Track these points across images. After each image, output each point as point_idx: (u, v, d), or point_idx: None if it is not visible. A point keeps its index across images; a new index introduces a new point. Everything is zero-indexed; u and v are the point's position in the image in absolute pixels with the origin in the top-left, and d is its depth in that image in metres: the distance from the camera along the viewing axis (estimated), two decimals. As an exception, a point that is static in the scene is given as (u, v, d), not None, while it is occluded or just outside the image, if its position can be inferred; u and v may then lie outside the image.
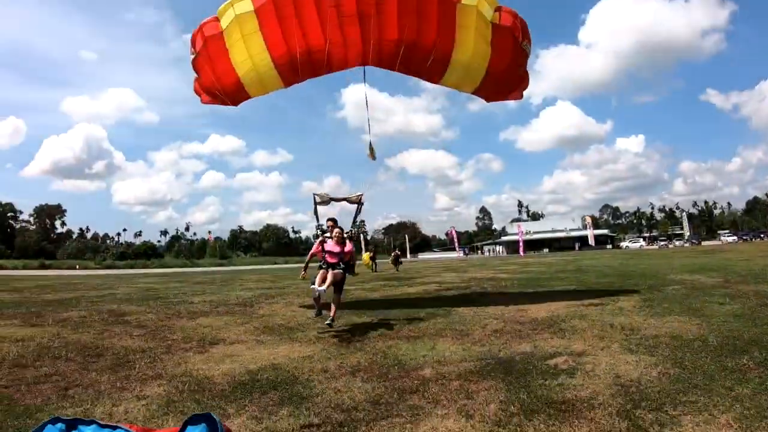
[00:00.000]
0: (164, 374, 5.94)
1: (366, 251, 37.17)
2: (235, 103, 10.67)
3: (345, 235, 9.15)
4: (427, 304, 12.11)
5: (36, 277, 36.08)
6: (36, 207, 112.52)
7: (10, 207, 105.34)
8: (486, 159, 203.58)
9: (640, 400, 4.34)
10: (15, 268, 56.94)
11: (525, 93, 11.89)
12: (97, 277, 36.39)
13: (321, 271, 8.67)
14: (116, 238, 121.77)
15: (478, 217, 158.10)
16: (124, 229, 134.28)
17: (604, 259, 36.34)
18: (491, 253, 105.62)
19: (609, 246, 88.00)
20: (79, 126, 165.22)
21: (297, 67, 9.65)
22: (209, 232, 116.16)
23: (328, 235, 9.29)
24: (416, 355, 6.45)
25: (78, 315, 11.64)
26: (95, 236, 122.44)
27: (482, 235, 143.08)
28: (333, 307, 8.60)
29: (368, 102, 10.89)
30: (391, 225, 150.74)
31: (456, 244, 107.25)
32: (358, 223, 9.89)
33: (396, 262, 35.81)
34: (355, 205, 10.38)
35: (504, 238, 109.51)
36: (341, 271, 8.83)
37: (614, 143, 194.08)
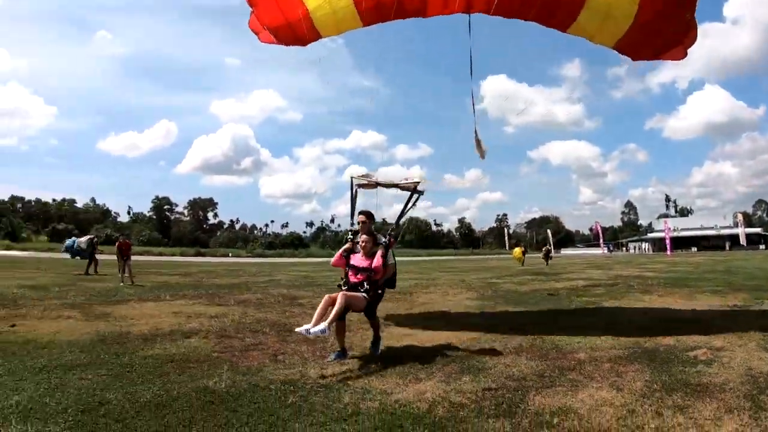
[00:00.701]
0: (354, 347, 7.09)
1: (517, 246, 41.85)
2: (303, 42, 8.98)
3: (382, 241, 6.88)
4: (576, 299, 13.20)
5: (196, 263, 41.41)
6: (189, 200, 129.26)
7: (166, 200, 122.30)
8: (631, 149, 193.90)
9: (765, 388, 5.07)
10: (173, 255, 65.78)
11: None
12: (251, 264, 40.79)
13: (326, 297, 6.30)
14: (264, 229, 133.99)
15: (623, 212, 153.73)
16: (272, 221, 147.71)
17: (756, 260, 34.41)
18: (636, 250, 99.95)
19: (762, 246, 79.18)
20: (226, 126, 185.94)
21: (385, 3, 8.05)
22: (352, 224, 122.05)
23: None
24: (571, 341, 7.39)
25: (255, 297, 13.78)
26: (243, 227, 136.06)
27: (627, 231, 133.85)
28: (373, 332, 6.94)
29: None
30: (533, 219, 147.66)
31: (600, 240, 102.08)
32: (403, 223, 7.89)
33: (547, 257, 38.43)
34: (408, 194, 7.77)
35: (650, 235, 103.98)
36: (363, 294, 6.45)
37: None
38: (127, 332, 8.16)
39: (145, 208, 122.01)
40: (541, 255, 41.14)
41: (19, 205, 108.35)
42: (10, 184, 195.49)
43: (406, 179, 7.76)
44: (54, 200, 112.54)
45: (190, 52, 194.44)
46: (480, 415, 4.33)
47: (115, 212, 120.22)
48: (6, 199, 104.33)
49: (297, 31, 8.54)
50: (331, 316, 5.91)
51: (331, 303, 6.11)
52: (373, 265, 6.54)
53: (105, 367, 5.82)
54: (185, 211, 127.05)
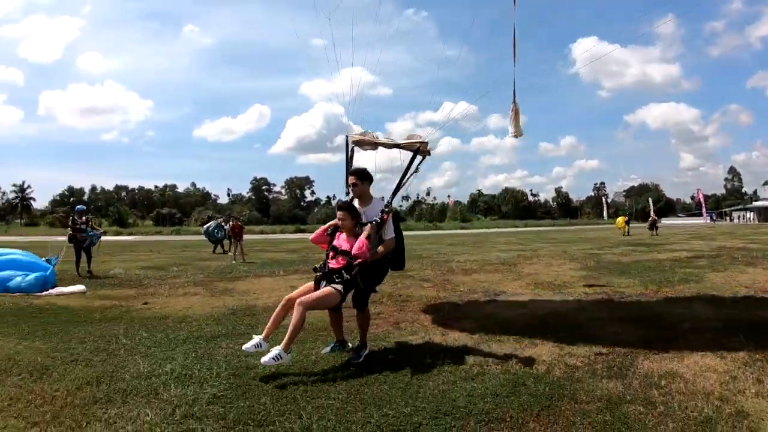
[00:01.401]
0: (471, 315, 7.88)
1: (620, 215, 43.54)
2: None
3: (375, 220, 5.67)
4: (679, 270, 13.46)
5: (297, 240, 43.06)
6: (287, 179, 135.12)
7: (264, 180, 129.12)
8: (732, 111, 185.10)
9: None
10: (274, 232, 69.26)
11: None
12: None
13: (283, 300, 5.46)
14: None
15: (726, 179, 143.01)
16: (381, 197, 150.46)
17: None
18: (741, 219, 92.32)
19: None
20: (317, 106, 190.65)
21: None
22: (449, 196, 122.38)
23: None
24: (674, 311, 7.82)
25: None
26: (339, 203, 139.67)
27: (731, 199, 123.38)
28: (359, 330, 5.86)
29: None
30: (632, 187, 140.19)
31: (703, 209, 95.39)
32: (403, 190, 6.57)
33: (653, 226, 38.31)
34: (411, 156, 6.53)
35: (755, 204, 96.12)
36: (336, 287, 5.35)
37: None
38: (254, 305, 9.03)
39: (243, 189, 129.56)
40: (646, 225, 40.93)
41: (124, 194, 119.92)
42: (114, 176, 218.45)
43: (410, 138, 6.63)
44: (156, 187, 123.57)
45: (276, 37, 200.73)
46: (594, 376, 4.80)
47: (215, 194, 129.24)
48: (111, 189, 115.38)
49: None
50: (287, 335, 5.01)
51: (290, 307, 5.24)
52: (353, 251, 5.38)
53: (243, 338, 6.33)
54: (282, 190, 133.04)
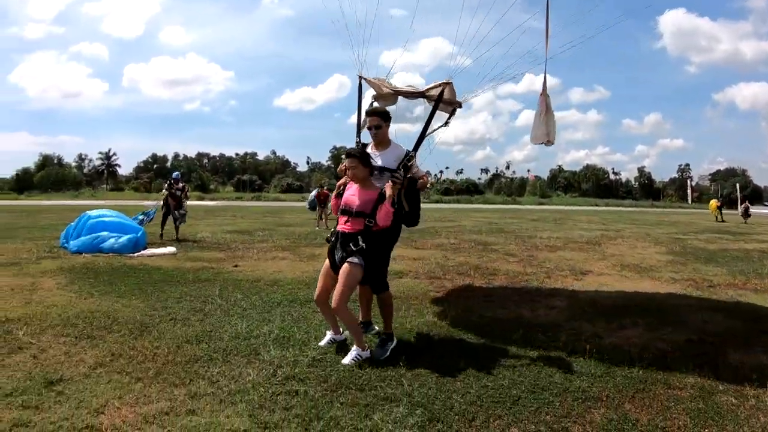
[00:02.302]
0: (558, 293, 7.84)
1: (714, 199, 41.02)
2: None
3: (396, 170, 5.01)
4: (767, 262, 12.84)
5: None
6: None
7: (343, 149, 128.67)
8: None
9: None
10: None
11: None
12: (432, 210, 41.73)
13: (317, 291, 4.89)
14: (438, 176, 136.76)
15: None
16: (446, 167, 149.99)
17: None
18: None
19: None
20: (397, 76, 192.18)
21: None
22: (528, 170, 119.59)
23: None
24: (763, 305, 7.48)
25: (449, 242, 15.21)
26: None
27: None
28: (383, 318, 5.10)
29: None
30: (718, 171, 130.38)
31: None
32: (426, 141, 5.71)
33: (746, 213, 36.48)
34: (436, 107, 5.79)
35: None
36: (355, 261, 4.57)
37: None
38: None
39: (322, 157, 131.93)
40: (739, 211, 38.74)
41: (206, 161, 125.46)
42: (196, 143, 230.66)
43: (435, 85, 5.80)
44: (237, 154, 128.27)
45: (355, 6, 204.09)
46: (685, 363, 4.66)
47: (294, 162, 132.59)
48: (193, 156, 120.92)
49: None
50: (353, 335, 4.67)
51: (323, 301, 4.84)
52: (379, 221, 4.57)
53: (304, 309, 6.32)
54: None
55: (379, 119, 5.20)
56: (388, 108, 5.68)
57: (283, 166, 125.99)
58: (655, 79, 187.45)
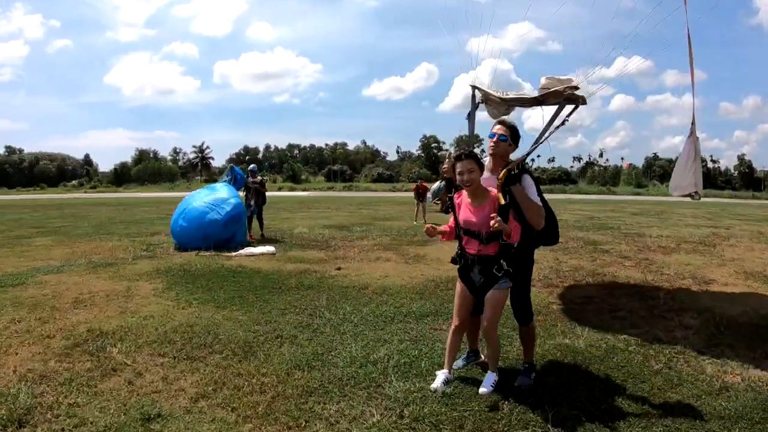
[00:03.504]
0: (688, 307, 7.03)
1: None
2: None
3: (501, 174, 4.22)
4: None
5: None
6: (456, 137, 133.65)
7: (433, 138, 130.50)
8: None
9: None
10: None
11: None
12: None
13: (452, 328, 4.39)
14: (530, 164, 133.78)
15: None
16: (538, 156, 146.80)
17: None
18: None
19: None
20: (485, 62, 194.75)
21: None
22: (622, 158, 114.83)
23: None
24: None
25: None
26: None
27: None
28: (523, 348, 4.69)
29: None
30: None
31: None
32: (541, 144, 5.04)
33: None
34: (555, 109, 5.23)
35: None
36: (505, 287, 4.18)
37: None
38: (453, 277, 8.20)
39: (412, 146, 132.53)
40: None
41: (296, 151, 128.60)
42: (286, 135, 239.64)
43: (549, 86, 5.18)
44: (327, 144, 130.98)
45: None
46: None
47: (384, 152, 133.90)
48: (284, 147, 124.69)
49: None
50: (491, 359, 4.33)
51: (464, 331, 4.47)
52: (508, 238, 4.03)
53: (450, 320, 5.78)
54: (452, 148, 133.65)
55: (504, 129, 4.38)
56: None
57: (372, 155, 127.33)
58: (754, 58, 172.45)
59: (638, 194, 77.89)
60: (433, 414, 3.62)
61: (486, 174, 4.28)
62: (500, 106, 5.90)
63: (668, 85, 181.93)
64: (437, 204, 24.35)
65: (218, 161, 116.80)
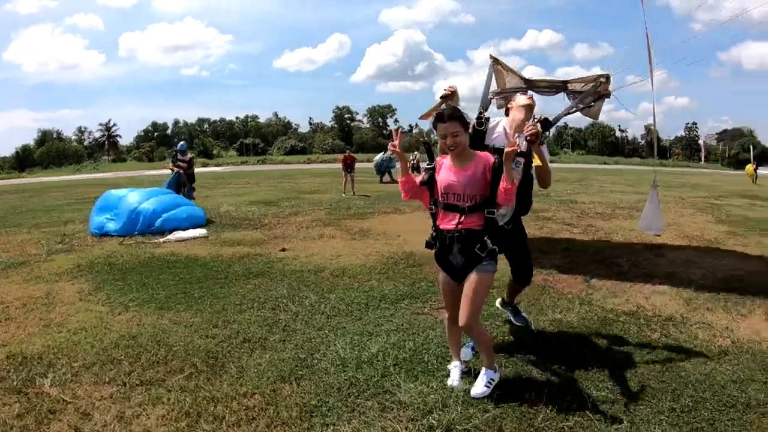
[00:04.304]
0: (653, 272, 6.94)
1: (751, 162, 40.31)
2: None
3: (535, 121, 4.02)
4: None
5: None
6: (369, 108, 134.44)
7: (346, 109, 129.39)
8: None
9: None
10: (360, 161, 69.03)
11: None
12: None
13: (446, 321, 3.74)
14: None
15: None
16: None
17: None
18: None
19: None
20: (398, 33, 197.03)
21: None
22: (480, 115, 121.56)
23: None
24: None
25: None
26: (421, 131, 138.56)
27: None
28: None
29: None
30: (725, 130, 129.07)
31: None
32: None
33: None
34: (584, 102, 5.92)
35: None
36: (488, 269, 3.40)
37: None
38: (410, 252, 7.88)
39: (325, 118, 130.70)
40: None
41: (206, 126, 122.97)
42: (196, 109, 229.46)
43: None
44: (237, 118, 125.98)
45: None
46: None
47: (296, 124, 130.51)
48: (194, 122, 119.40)
49: None
50: (484, 355, 3.56)
51: (454, 304, 3.56)
52: (500, 198, 3.30)
53: (432, 300, 5.42)
54: (364, 119, 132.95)
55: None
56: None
57: (285, 128, 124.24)
58: (661, 37, 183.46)
59: (552, 162, 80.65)
60: (464, 419, 3.04)
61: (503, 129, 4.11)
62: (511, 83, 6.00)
63: (578, 58, 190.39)
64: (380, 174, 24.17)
65: (126, 139, 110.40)
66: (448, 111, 3.40)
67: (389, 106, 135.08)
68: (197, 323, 4.76)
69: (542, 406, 3.19)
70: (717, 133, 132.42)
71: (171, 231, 9.57)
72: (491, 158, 3.39)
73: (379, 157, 26.41)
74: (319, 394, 3.33)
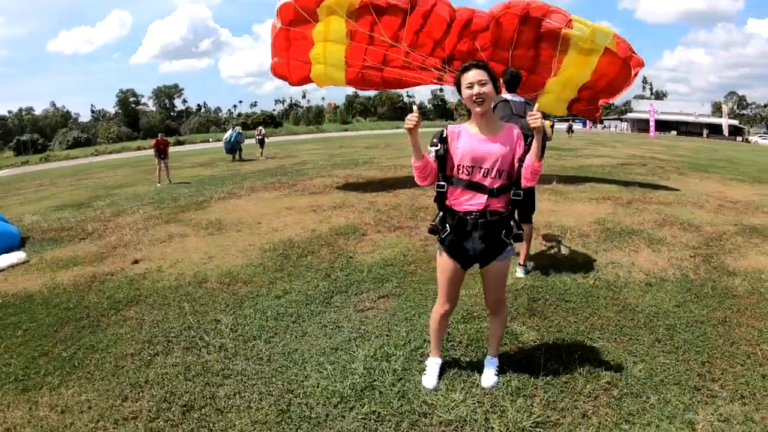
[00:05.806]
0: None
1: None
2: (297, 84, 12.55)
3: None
4: (622, 176, 13.59)
5: (190, 152, 38.78)
6: (154, 89, 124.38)
7: (131, 92, 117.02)
8: None
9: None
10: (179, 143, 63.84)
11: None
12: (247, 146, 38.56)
13: (438, 311, 3.17)
14: (232, 110, 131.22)
15: None
16: (240, 101, 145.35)
17: (743, 153, 32.13)
18: (614, 128, 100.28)
19: (739, 138, 79.29)
20: (181, 8, 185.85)
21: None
22: (323, 98, 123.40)
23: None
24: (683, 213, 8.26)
25: (333, 183, 14.74)
26: (210, 110, 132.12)
27: (603, 109, 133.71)
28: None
29: None
30: None
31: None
32: None
33: (570, 130, 40.33)
34: None
35: (630, 115, 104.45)
36: (511, 252, 2.98)
37: (745, 24, 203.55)
38: (289, 240, 7.14)
39: (108, 104, 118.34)
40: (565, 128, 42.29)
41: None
42: None
43: None
44: (10, 112, 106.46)
45: None
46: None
47: (76, 113, 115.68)
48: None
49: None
50: (493, 343, 3.29)
51: (451, 314, 3.24)
52: (525, 179, 2.75)
53: (362, 294, 4.80)
54: (150, 102, 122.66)
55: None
56: None
57: (64, 118, 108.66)
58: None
59: (346, 130, 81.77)
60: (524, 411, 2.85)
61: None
62: None
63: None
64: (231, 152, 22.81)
65: None
66: (475, 61, 2.81)
67: (176, 86, 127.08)
68: (94, 401, 3.20)
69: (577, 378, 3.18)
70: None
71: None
72: (517, 128, 2.75)
73: (228, 134, 23.90)
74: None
